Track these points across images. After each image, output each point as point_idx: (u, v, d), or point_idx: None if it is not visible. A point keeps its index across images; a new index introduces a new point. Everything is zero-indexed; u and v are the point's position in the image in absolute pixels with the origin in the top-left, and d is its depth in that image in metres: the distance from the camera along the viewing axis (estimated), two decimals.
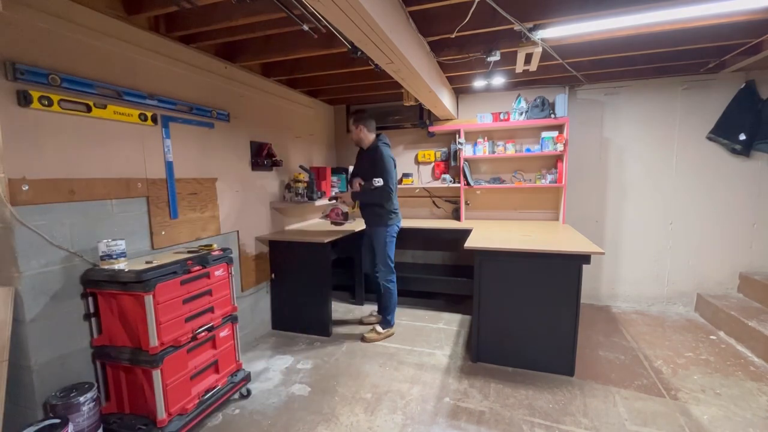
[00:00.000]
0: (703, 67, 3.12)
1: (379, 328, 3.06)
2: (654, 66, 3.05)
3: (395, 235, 3.03)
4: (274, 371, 2.59)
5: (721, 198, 3.42)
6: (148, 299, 1.68)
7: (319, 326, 3.13)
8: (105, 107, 1.86)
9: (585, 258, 2.31)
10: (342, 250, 3.32)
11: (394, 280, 3.07)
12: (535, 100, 3.52)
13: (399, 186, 4.16)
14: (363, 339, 3.03)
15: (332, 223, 3.37)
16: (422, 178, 4.25)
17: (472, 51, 2.52)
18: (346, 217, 3.32)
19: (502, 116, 3.68)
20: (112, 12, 1.90)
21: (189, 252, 2.11)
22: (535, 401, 2.19)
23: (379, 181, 2.84)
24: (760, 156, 3.28)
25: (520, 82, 3.58)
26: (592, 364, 2.61)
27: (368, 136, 2.95)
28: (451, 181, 3.95)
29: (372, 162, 2.87)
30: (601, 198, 3.73)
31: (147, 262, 1.84)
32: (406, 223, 3.86)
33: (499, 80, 3.20)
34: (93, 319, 1.82)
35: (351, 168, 3.38)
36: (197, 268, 1.96)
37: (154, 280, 1.70)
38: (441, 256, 4.30)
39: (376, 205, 2.92)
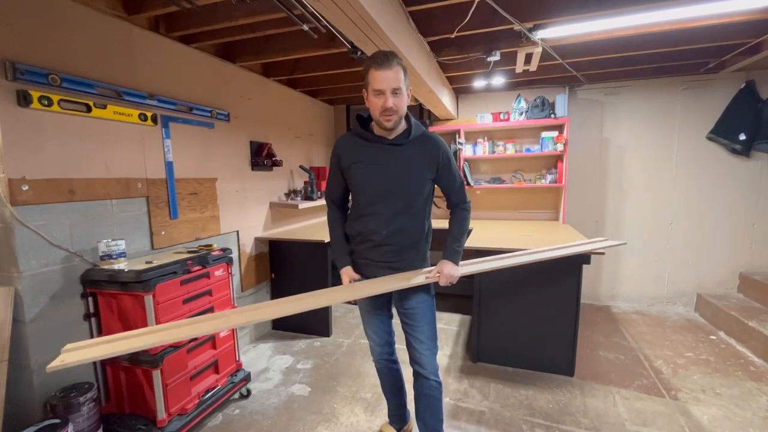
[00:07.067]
0: (703, 67, 3.12)
1: None
2: (654, 66, 3.05)
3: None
4: (274, 371, 2.59)
5: (721, 198, 3.42)
6: (148, 299, 1.68)
7: (319, 326, 3.12)
8: (105, 107, 1.86)
9: (585, 258, 2.31)
10: None
11: None
12: (535, 100, 3.52)
13: None
14: None
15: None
16: None
17: (472, 51, 2.52)
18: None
19: (502, 116, 3.68)
20: (112, 12, 1.90)
21: (189, 252, 2.11)
22: (535, 401, 2.19)
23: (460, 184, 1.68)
24: (760, 156, 3.28)
25: (520, 82, 3.58)
26: (592, 364, 2.61)
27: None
28: None
29: (430, 155, 1.63)
30: (601, 198, 3.73)
31: (147, 262, 1.84)
32: None
33: (499, 80, 3.20)
34: (93, 319, 1.82)
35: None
36: (197, 268, 1.97)
37: (154, 280, 1.70)
38: (441, 256, 4.29)
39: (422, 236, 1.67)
